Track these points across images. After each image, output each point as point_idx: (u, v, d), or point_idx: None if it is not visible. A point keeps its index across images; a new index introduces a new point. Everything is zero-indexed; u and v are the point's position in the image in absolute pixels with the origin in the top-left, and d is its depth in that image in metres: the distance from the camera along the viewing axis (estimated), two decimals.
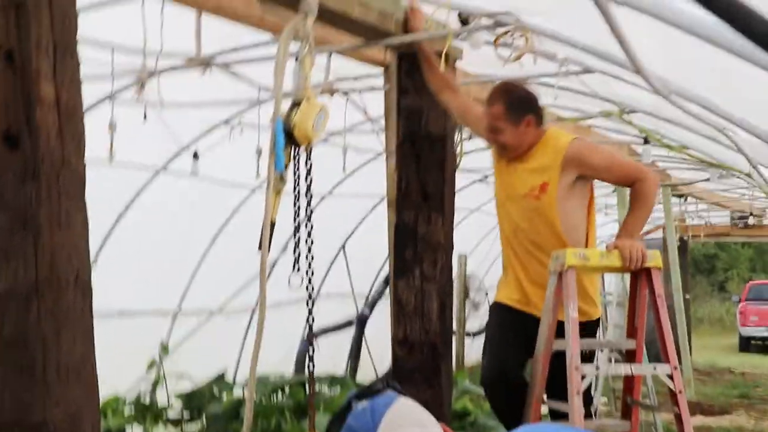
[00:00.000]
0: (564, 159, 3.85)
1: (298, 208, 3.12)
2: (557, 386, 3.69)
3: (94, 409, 1.99)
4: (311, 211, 3.16)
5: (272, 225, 2.92)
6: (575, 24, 4.10)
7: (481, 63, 5.31)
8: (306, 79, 3.08)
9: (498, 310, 4.14)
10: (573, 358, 3.56)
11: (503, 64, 4.27)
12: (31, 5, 1.78)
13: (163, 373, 7.66)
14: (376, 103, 5.96)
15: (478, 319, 11.82)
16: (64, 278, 1.89)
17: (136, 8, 4.25)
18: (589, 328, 3.96)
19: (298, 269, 3.07)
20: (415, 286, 4.29)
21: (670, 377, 3.69)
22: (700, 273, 33.66)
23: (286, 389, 7.70)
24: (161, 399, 7.59)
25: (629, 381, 3.96)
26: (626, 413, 3.96)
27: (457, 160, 4.63)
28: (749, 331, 20.99)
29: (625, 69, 4.11)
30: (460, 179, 4.67)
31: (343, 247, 10.25)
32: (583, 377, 3.58)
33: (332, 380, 8.25)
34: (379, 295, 9.69)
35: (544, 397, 3.87)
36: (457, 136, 4.70)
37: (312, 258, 3.12)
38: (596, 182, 4.09)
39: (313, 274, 3.12)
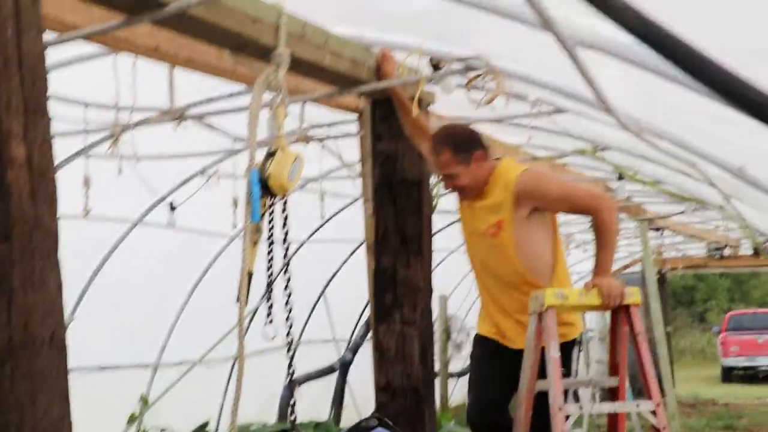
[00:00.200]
0: (515, 194, 3.85)
1: (272, 258, 3.11)
2: (542, 426, 3.67)
3: None
4: (289, 260, 3.16)
5: (250, 275, 2.92)
6: (545, 66, 4.16)
7: (454, 106, 5.36)
8: (280, 129, 3.10)
9: (478, 342, 4.24)
10: (556, 399, 3.56)
11: (476, 107, 4.31)
12: (0, 67, 1.78)
13: (144, 427, 7.57)
14: (351, 149, 5.99)
15: (461, 360, 11.78)
16: (39, 339, 1.87)
17: (107, 64, 4.26)
18: (565, 350, 3.96)
19: (271, 321, 3.05)
20: (395, 331, 4.27)
21: (654, 413, 3.69)
22: (680, 305, 33.75)
23: None
24: None
25: (613, 418, 3.96)
26: None
27: (434, 203, 4.65)
28: (730, 361, 21.05)
29: (595, 108, 4.15)
30: (438, 221, 4.69)
31: (324, 293, 10.21)
32: (567, 417, 3.57)
33: (316, 426, 8.18)
34: (362, 339, 9.63)
35: None
36: (432, 179, 4.72)
37: (291, 306, 3.11)
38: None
39: (292, 325, 3.11)
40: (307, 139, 5.50)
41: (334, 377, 9.67)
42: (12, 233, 1.80)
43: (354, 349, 9.66)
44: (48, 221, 1.89)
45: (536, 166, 7.36)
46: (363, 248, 4.77)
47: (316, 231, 8.89)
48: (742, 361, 20.85)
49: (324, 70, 3.68)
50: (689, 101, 3.27)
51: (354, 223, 6.18)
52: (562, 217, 4.28)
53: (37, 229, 1.85)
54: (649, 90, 3.89)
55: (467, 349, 10.74)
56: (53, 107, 2.02)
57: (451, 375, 11.70)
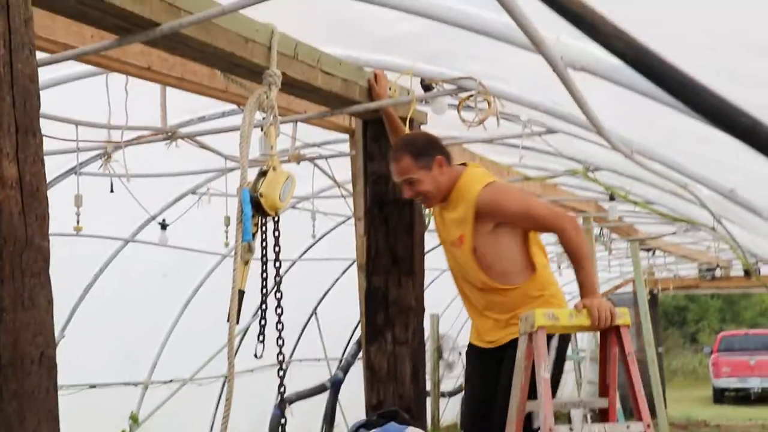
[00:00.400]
0: (475, 211, 3.80)
1: (266, 277, 3.12)
2: None
3: None
4: (281, 279, 3.16)
5: (242, 294, 2.92)
6: (536, 87, 4.18)
7: (445, 126, 5.38)
8: (272, 149, 3.11)
9: (467, 351, 4.24)
10: (546, 420, 3.55)
11: (467, 127, 4.32)
12: None
13: None
14: (343, 168, 6.00)
15: (452, 379, 11.76)
16: (28, 358, 1.87)
17: (100, 83, 4.28)
18: (501, 351, 3.95)
19: (263, 339, 3.05)
20: (387, 351, 4.27)
21: None
22: (671, 325, 33.77)
23: None
24: None
25: None
26: None
27: (426, 222, 4.65)
28: (722, 382, 21.04)
29: (587, 130, 4.18)
30: (430, 240, 4.69)
31: (315, 311, 10.19)
32: None
33: None
34: (353, 358, 9.61)
35: None
36: None
37: (282, 325, 3.12)
38: None
39: (283, 343, 3.11)
40: (299, 159, 5.51)
41: (325, 396, 9.64)
42: (2, 252, 1.80)
43: (345, 369, 9.63)
44: (39, 240, 1.89)
45: (527, 185, 7.39)
46: (355, 267, 4.78)
47: (307, 250, 8.89)
48: (733, 382, 20.84)
49: (316, 90, 3.69)
50: (680, 123, 3.29)
51: (346, 242, 6.18)
52: (551, 237, 4.26)
53: (28, 248, 1.85)
54: (640, 111, 3.92)
55: (459, 368, 10.74)
56: (45, 126, 2.02)
57: (443, 394, 11.67)
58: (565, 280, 15.89)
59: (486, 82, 4.03)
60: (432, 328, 11.23)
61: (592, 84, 3.13)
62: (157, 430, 7.85)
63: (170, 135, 4.95)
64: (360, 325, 4.49)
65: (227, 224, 6.05)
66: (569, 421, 9.12)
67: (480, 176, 3.92)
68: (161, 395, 8.28)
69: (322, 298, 10.21)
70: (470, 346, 4.22)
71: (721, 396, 21.07)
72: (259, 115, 3.13)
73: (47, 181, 1.99)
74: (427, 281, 4.44)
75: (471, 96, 4.18)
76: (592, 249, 10.01)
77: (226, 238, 6.03)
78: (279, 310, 3.16)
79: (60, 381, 1.97)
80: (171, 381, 8.35)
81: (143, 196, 5.97)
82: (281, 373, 3.16)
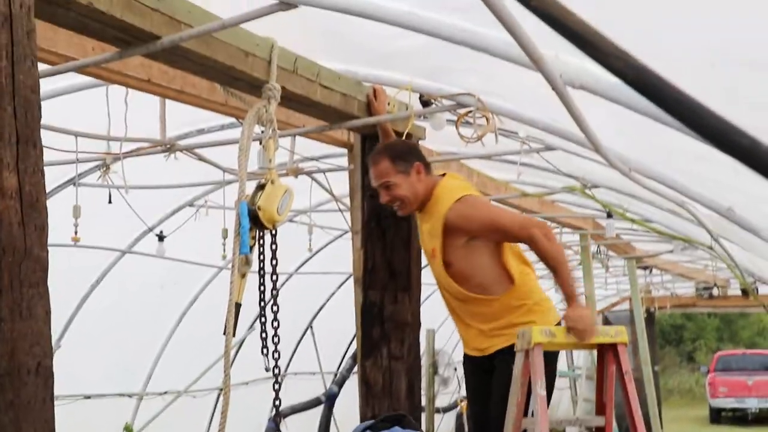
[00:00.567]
0: (444, 227, 3.80)
1: (264, 290, 3.13)
2: None
3: None
4: (277, 292, 3.17)
5: (238, 307, 2.92)
6: (535, 103, 4.19)
7: (444, 142, 5.39)
8: (270, 162, 3.12)
9: (463, 363, 4.25)
10: None
11: (466, 144, 4.33)
12: None
13: None
14: (341, 182, 6.01)
15: (447, 395, 11.72)
16: (25, 368, 1.87)
17: (100, 95, 4.29)
18: (489, 361, 3.95)
19: (266, 353, 3.06)
20: (382, 366, 4.26)
21: None
22: (668, 344, 33.73)
23: None
24: None
25: None
26: None
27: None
28: (719, 402, 20.99)
29: (585, 147, 4.18)
30: None
31: (311, 325, 10.18)
32: None
33: None
34: (348, 372, 9.59)
35: None
36: None
37: (278, 338, 3.12)
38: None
39: (279, 355, 3.11)
40: (297, 172, 5.52)
41: (319, 410, 9.62)
42: (1, 262, 1.80)
43: (340, 383, 9.61)
44: (37, 250, 1.89)
45: (522, 201, 7.41)
46: (351, 281, 4.78)
47: (304, 263, 8.89)
48: (731, 403, 20.79)
49: (315, 105, 3.70)
50: (678, 142, 3.30)
51: (342, 257, 6.19)
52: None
53: (27, 259, 1.85)
54: (639, 130, 3.93)
55: (454, 384, 10.72)
56: (45, 137, 2.03)
57: (438, 410, 11.62)
58: (562, 296, 15.85)
59: (484, 99, 4.05)
60: (428, 343, 11.20)
61: (591, 102, 3.14)
62: None
63: (169, 147, 4.96)
64: (355, 339, 4.49)
65: (225, 237, 6.05)
66: None
67: (454, 189, 3.89)
68: (156, 407, 8.26)
69: (318, 311, 10.21)
70: (464, 357, 4.25)
71: (717, 416, 21.01)
72: (258, 129, 3.14)
73: (46, 192, 2.00)
74: (423, 296, 4.44)
75: (469, 112, 4.19)
76: (589, 264, 10.01)
77: (224, 250, 6.04)
78: (275, 324, 3.16)
79: (55, 391, 1.97)
80: (166, 393, 8.33)
81: (141, 208, 5.97)
82: (276, 386, 3.16)
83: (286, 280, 8.52)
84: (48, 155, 2.05)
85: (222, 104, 4.17)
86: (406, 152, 3.90)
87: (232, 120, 4.96)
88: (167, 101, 4.46)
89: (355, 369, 5.00)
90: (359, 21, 3.14)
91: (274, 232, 3.13)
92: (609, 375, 3.84)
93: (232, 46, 3.00)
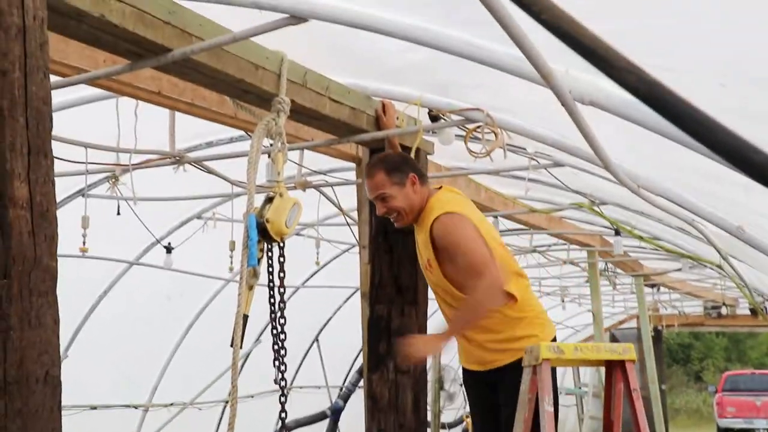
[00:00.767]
0: (431, 239, 3.78)
1: (274, 303, 3.13)
2: None
3: None
4: (284, 304, 3.16)
5: (246, 319, 2.92)
6: (544, 119, 4.20)
7: (452, 157, 5.40)
8: (279, 175, 3.12)
9: (463, 377, 4.26)
10: None
11: (474, 159, 4.34)
12: (6, 108, 1.81)
13: None
14: (349, 196, 6.02)
15: (453, 411, 11.68)
16: (33, 377, 1.87)
17: (110, 106, 4.31)
18: (494, 376, 3.93)
19: (278, 365, 3.05)
20: (389, 380, 4.26)
21: None
22: (675, 363, 33.60)
23: None
24: None
25: None
26: None
27: None
28: (727, 422, 20.87)
29: (593, 163, 4.18)
30: None
31: (317, 338, 10.17)
32: None
33: None
34: (354, 386, 9.58)
35: None
36: None
37: (285, 351, 3.11)
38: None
39: (286, 368, 3.10)
40: (305, 186, 5.53)
41: (325, 424, 9.60)
42: (11, 271, 1.81)
43: (346, 397, 9.60)
44: (47, 260, 1.90)
45: (529, 217, 7.40)
46: (358, 295, 4.78)
47: (311, 277, 8.89)
48: (738, 423, 20.67)
49: (324, 118, 3.71)
50: (688, 159, 3.30)
51: (349, 270, 6.19)
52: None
53: (37, 268, 1.86)
54: (648, 146, 3.93)
55: (460, 399, 10.69)
56: (55, 148, 2.04)
57: (443, 426, 11.59)
58: (569, 313, 15.83)
59: (493, 114, 4.05)
60: (434, 358, 11.18)
61: (601, 117, 3.14)
62: None
63: (178, 159, 4.98)
64: (362, 353, 4.48)
65: (232, 249, 6.06)
66: None
67: (445, 202, 3.84)
68: (161, 418, 8.26)
69: (325, 325, 10.20)
70: (463, 371, 4.23)
71: None
72: (267, 142, 3.15)
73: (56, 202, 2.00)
74: (430, 311, 4.43)
75: (478, 127, 4.20)
76: (596, 281, 9.98)
77: (231, 263, 6.04)
78: (282, 336, 3.16)
79: (62, 401, 1.97)
80: (171, 404, 8.32)
81: (149, 220, 5.99)
82: (282, 399, 3.16)
83: (294, 293, 8.52)
84: (58, 166, 2.06)
85: (231, 117, 4.19)
86: (401, 164, 3.89)
87: (241, 133, 4.98)
88: (177, 113, 4.48)
89: (361, 383, 5.00)
90: (368, 35, 3.15)
91: (282, 244, 3.13)
92: (617, 392, 3.82)
93: (243, 59, 3.01)
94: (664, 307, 16.77)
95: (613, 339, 16.75)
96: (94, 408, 6.96)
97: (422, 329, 4.33)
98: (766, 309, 11.72)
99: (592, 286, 10.17)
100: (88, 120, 4.57)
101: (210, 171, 5.40)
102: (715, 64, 2.84)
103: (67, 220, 3.37)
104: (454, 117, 4.19)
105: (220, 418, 8.86)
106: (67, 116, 4.08)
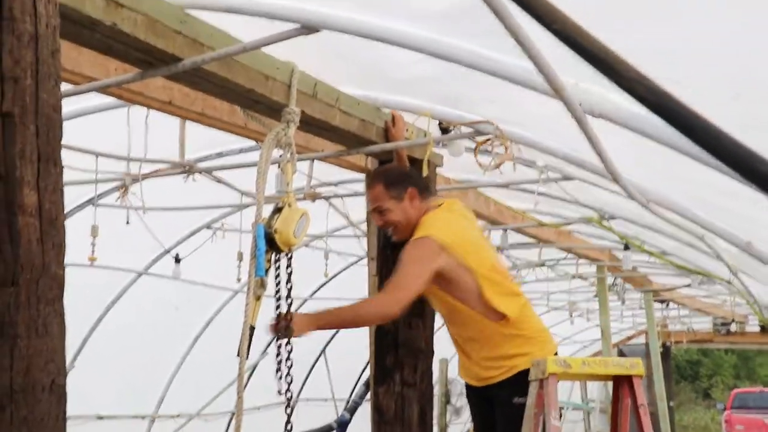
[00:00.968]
0: None
1: (281, 312, 3.13)
2: None
3: None
4: (292, 315, 3.16)
5: (252, 330, 2.92)
6: (554, 132, 4.19)
7: (461, 169, 5.40)
8: (288, 185, 3.12)
9: (466, 392, 4.27)
10: None
11: (484, 172, 4.33)
12: (17, 115, 1.81)
13: None
14: (357, 208, 6.02)
15: (459, 425, 11.64)
16: (39, 385, 1.87)
17: (121, 115, 4.32)
18: (490, 392, 3.90)
19: (281, 376, 3.04)
20: (395, 393, 4.24)
21: None
22: (684, 379, 33.44)
23: None
24: None
25: None
26: None
27: None
28: None
29: (603, 177, 4.17)
30: None
31: (324, 351, 10.16)
32: None
33: None
34: (360, 399, 9.55)
35: None
36: None
37: (292, 363, 3.11)
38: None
39: (292, 379, 3.10)
40: (314, 197, 5.53)
41: None
42: (19, 278, 1.81)
43: (352, 410, 9.57)
44: (55, 268, 1.90)
45: (538, 231, 7.39)
46: None
47: (319, 288, 8.89)
48: None
49: (334, 129, 3.71)
50: (698, 173, 3.29)
51: (358, 282, 6.18)
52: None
53: (44, 276, 1.86)
54: (658, 160, 3.92)
55: (466, 414, 10.65)
56: (65, 156, 2.04)
57: None
58: (577, 328, 15.77)
59: (503, 127, 4.05)
60: (441, 372, 11.16)
61: (611, 130, 3.13)
62: None
63: (188, 169, 4.99)
64: (369, 365, 4.47)
65: (240, 260, 6.06)
66: None
67: (429, 224, 3.78)
68: (168, 429, 8.25)
69: (332, 337, 10.18)
70: (465, 386, 4.23)
71: None
72: (276, 152, 3.15)
73: (65, 211, 2.01)
74: (437, 324, 4.42)
75: (488, 140, 4.19)
76: (605, 296, 9.94)
77: (239, 273, 6.05)
78: (288, 347, 3.15)
79: (68, 411, 1.97)
80: (178, 415, 8.31)
81: (158, 229, 6.00)
82: (288, 411, 3.14)
83: (301, 304, 8.52)
84: (68, 174, 2.06)
85: (242, 127, 4.19)
86: (401, 178, 3.89)
87: (251, 143, 4.98)
88: (187, 123, 4.49)
89: (368, 396, 4.98)
90: (378, 46, 3.16)
91: (290, 255, 3.13)
92: (624, 408, 3.80)
93: (253, 69, 3.02)
94: (672, 323, 16.70)
95: (621, 355, 16.68)
96: (100, 418, 6.96)
97: (429, 342, 4.32)
98: None
99: (600, 301, 10.13)
100: (99, 129, 4.59)
101: (220, 181, 5.41)
102: (725, 75, 2.84)
103: (76, 228, 3.39)
104: (464, 129, 4.19)
105: (227, 430, 8.84)
106: (78, 125, 4.10)
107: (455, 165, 4.81)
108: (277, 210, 3.06)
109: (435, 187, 4.43)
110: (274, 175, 3.50)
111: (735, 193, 3.40)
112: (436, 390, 10.26)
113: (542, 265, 9.17)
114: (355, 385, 10.34)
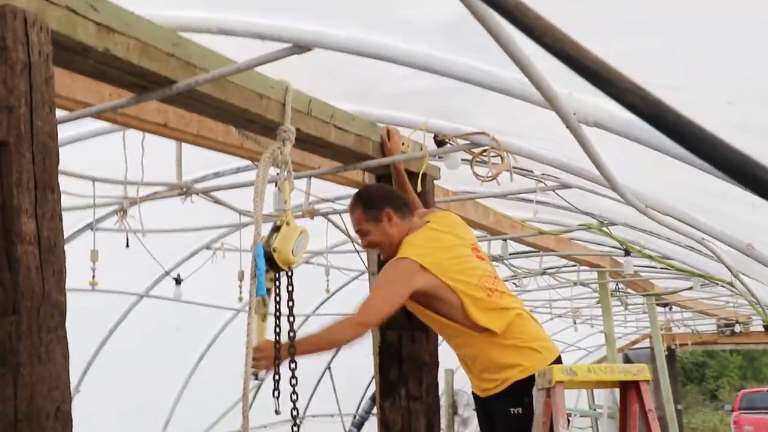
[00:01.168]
0: None
1: (279, 331, 3.12)
2: None
3: None
4: (294, 333, 3.15)
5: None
6: (550, 142, 4.20)
7: (459, 181, 5.40)
8: (286, 204, 3.12)
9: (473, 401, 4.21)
10: None
11: (481, 183, 4.33)
12: (13, 144, 1.82)
13: None
14: None
15: None
16: (44, 412, 1.86)
17: (116, 139, 4.33)
18: (488, 403, 3.89)
19: (278, 395, 3.03)
20: (401, 406, 4.23)
21: None
22: (690, 382, 33.36)
23: None
24: None
25: None
26: None
27: None
28: None
29: (601, 184, 4.18)
30: None
31: (329, 366, 10.14)
32: None
33: None
34: (367, 414, 9.55)
35: None
36: None
37: (296, 380, 3.10)
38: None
39: (297, 398, 3.09)
40: (313, 214, 5.53)
41: None
42: (20, 306, 1.81)
43: (359, 425, 9.56)
44: (56, 295, 1.90)
45: (537, 239, 7.39)
46: None
47: (321, 305, 8.88)
48: None
49: (330, 146, 3.72)
50: (695, 178, 3.29)
51: (359, 297, 6.17)
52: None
53: (45, 303, 1.86)
54: (654, 166, 3.92)
55: (474, 424, 10.63)
56: (62, 182, 2.05)
57: None
58: (582, 335, 15.75)
59: (499, 138, 4.05)
60: (446, 383, 11.14)
61: (606, 138, 3.14)
62: None
63: (185, 190, 4.99)
64: (374, 380, 4.46)
65: (241, 279, 6.05)
66: None
67: (410, 246, 3.78)
68: None
69: (336, 353, 10.15)
70: (473, 395, 4.24)
71: None
72: (273, 171, 3.15)
73: (64, 237, 2.01)
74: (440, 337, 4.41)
75: (484, 151, 4.20)
76: (607, 302, 9.93)
77: (240, 293, 6.04)
78: (293, 365, 3.14)
79: None
80: None
81: (158, 251, 5.99)
82: (295, 428, 3.14)
83: (304, 321, 8.51)
84: (66, 200, 2.07)
85: (237, 147, 4.20)
86: (378, 200, 3.89)
87: (248, 162, 4.99)
88: (183, 144, 4.49)
89: (374, 410, 4.98)
90: (372, 62, 3.16)
91: (290, 273, 3.12)
92: (632, 414, 3.79)
93: (247, 89, 3.02)
94: (676, 326, 16.68)
95: (627, 359, 16.65)
96: None
97: (433, 354, 4.31)
98: None
99: (603, 307, 10.13)
100: (96, 153, 4.59)
101: (217, 201, 5.41)
102: (721, 81, 2.84)
103: (75, 253, 3.38)
104: (460, 141, 4.20)
105: None
106: (74, 150, 4.10)
107: (453, 176, 4.81)
108: (276, 229, 3.06)
109: (433, 199, 4.43)
110: (271, 193, 3.50)
111: (733, 196, 3.40)
112: (443, 401, 10.26)
113: (543, 273, 9.17)
114: (361, 400, 10.31)
